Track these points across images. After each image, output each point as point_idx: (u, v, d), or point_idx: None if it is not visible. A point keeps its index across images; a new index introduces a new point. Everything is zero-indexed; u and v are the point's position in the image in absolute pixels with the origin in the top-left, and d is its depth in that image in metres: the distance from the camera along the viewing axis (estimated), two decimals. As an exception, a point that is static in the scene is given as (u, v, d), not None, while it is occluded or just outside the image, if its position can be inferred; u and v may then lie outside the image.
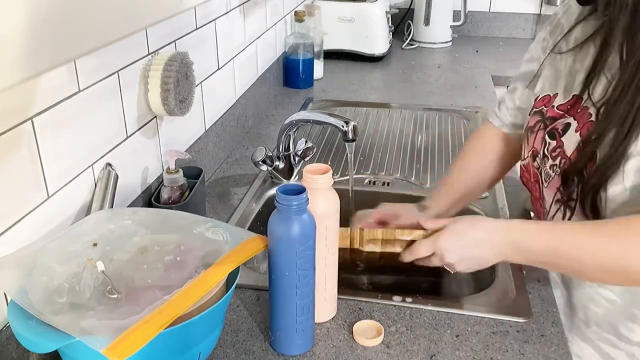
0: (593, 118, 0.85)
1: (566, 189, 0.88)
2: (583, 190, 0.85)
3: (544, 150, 0.93)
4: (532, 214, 1.20)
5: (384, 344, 0.87)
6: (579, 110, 0.88)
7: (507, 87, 1.12)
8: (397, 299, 0.96)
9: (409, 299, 0.96)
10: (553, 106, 0.93)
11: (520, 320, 0.92)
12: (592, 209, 0.85)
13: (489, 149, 1.11)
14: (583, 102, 0.87)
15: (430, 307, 0.94)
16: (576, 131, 0.88)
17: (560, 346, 0.87)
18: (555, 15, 1.00)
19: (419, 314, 0.93)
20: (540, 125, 0.94)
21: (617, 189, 0.82)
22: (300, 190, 0.78)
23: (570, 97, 0.90)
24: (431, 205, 1.06)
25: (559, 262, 0.83)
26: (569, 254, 0.81)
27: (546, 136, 0.92)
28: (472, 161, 1.12)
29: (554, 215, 0.92)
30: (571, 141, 0.88)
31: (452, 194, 1.09)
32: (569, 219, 0.89)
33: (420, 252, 0.90)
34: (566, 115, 0.90)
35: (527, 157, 0.97)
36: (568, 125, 0.89)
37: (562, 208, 0.90)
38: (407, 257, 0.92)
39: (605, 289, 0.92)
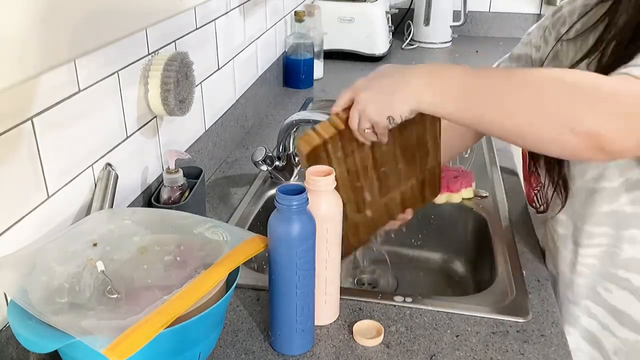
0: None
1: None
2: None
3: None
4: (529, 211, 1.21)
5: (384, 344, 0.87)
6: None
7: (497, 65, 1.13)
8: (397, 299, 0.96)
9: (409, 299, 0.96)
10: None
11: (520, 320, 0.92)
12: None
13: None
14: None
15: (430, 307, 0.94)
16: None
17: (560, 346, 0.87)
18: (560, 8, 1.01)
19: (419, 314, 0.93)
20: None
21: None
22: (300, 190, 0.78)
23: None
24: None
25: (475, 101, 0.74)
26: (485, 92, 0.74)
27: None
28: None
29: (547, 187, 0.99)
30: None
31: None
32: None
33: (341, 98, 0.81)
34: None
35: None
36: None
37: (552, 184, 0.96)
38: (334, 109, 0.83)
39: (585, 257, 0.97)
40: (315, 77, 2.02)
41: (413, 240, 1.34)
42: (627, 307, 0.95)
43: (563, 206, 0.98)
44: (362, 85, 0.80)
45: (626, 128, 0.69)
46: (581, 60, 0.89)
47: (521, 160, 1.08)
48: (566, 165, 0.95)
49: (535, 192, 1.03)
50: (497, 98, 0.73)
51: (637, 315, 0.94)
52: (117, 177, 0.96)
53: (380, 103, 0.77)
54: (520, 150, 1.26)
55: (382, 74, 0.80)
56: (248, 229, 1.17)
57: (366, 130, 0.81)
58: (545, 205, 1.04)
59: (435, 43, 2.51)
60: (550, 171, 0.97)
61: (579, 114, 0.69)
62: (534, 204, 1.08)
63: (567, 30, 0.96)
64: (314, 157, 0.83)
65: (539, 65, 1.03)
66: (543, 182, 1.01)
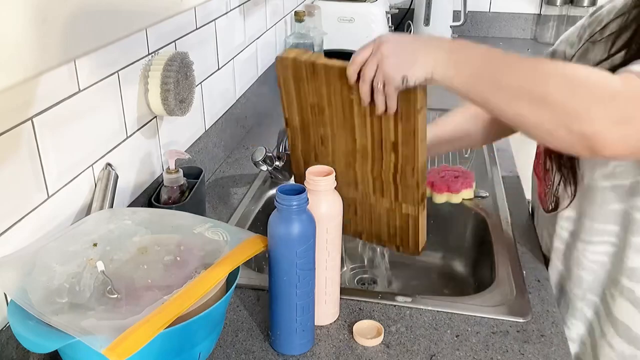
0: None
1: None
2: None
3: None
4: (530, 209, 1.21)
5: (384, 344, 0.87)
6: None
7: None
8: (397, 298, 0.96)
9: (409, 299, 0.96)
10: None
11: (520, 320, 0.92)
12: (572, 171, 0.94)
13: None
14: None
15: (430, 307, 0.94)
16: None
17: (560, 346, 0.87)
18: (601, 7, 1.00)
19: (419, 314, 0.93)
20: None
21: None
22: (300, 190, 0.78)
23: None
24: None
25: (487, 79, 0.76)
26: (498, 72, 0.76)
27: None
28: (468, 119, 1.12)
29: (558, 184, 0.99)
30: None
31: (434, 134, 1.09)
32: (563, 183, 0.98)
33: (362, 52, 0.81)
34: None
35: None
36: None
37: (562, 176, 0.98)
38: (351, 68, 0.82)
39: (595, 253, 0.97)
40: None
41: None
42: (627, 318, 0.94)
43: (571, 201, 0.98)
44: (387, 39, 0.80)
45: (620, 134, 0.70)
46: (605, 59, 0.89)
47: (534, 159, 1.08)
48: (577, 161, 0.95)
49: (547, 189, 1.04)
50: (504, 83, 0.75)
51: (636, 328, 0.94)
52: (117, 177, 0.96)
53: (401, 60, 0.78)
54: (526, 151, 1.26)
55: (406, 37, 0.82)
56: (248, 229, 1.17)
57: (379, 85, 0.80)
58: (554, 204, 1.04)
59: (435, 43, 2.51)
60: (561, 166, 0.98)
61: (577, 112, 0.70)
62: (545, 203, 1.07)
63: (600, 29, 0.95)
64: (294, 70, 0.83)
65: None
66: (552, 179, 1.01)
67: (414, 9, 2.56)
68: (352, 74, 0.82)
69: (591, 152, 0.71)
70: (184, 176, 1.09)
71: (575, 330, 1.03)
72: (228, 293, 0.76)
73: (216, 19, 1.37)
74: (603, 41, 0.93)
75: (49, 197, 0.84)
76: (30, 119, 0.78)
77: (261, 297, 0.97)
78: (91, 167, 0.93)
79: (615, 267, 0.95)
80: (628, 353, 0.95)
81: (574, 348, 1.03)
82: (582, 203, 0.96)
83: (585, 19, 1.03)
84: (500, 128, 1.12)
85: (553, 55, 1.09)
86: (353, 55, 0.82)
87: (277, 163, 1.30)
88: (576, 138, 0.70)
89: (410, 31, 2.52)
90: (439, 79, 0.77)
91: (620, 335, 0.95)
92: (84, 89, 0.89)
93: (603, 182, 0.92)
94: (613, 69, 0.79)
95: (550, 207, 1.05)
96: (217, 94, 1.43)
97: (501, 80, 0.75)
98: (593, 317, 1.00)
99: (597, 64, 0.91)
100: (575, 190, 0.97)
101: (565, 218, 1.01)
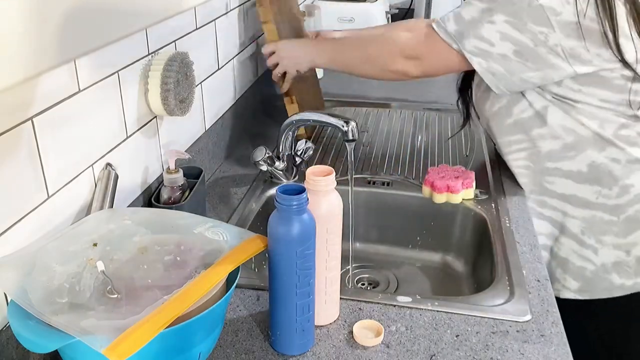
0: None
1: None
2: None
3: None
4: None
5: (384, 344, 0.87)
6: None
7: None
8: (397, 298, 0.96)
9: (409, 299, 0.96)
10: None
11: (520, 320, 0.92)
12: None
13: None
14: None
15: (430, 307, 0.94)
16: None
17: (560, 346, 0.87)
18: None
19: (419, 314, 0.93)
20: None
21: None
22: (300, 190, 0.78)
23: None
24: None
25: (339, 67, 1.36)
26: (341, 63, 1.36)
27: None
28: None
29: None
30: None
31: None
32: None
33: (267, 48, 1.43)
34: None
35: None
36: None
37: None
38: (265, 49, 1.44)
39: (516, 161, 1.28)
40: (315, 77, 2.02)
41: (413, 240, 1.34)
42: (570, 190, 1.19)
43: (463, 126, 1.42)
44: (282, 47, 1.42)
45: (414, 65, 1.23)
46: None
47: None
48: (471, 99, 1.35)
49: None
50: (348, 56, 1.35)
51: (581, 193, 1.18)
52: (117, 177, 0.96)
53: (293, 60, 1.41)
54: None
55: (289, 43, 1.45)
56: (248, 229, 1.17)
57: (278, 74, 1.44)
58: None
59: (435, 43, 2.51)
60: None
61: (388, 61, 1.25)
62: None
63: None
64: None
65: None
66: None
67: (414, 9, 2.56)
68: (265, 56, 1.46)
69: (407, 78, 1.25)
70: (184, 176, 1.09)
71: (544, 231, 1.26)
72: (228, 293, 0.76)
73: (216, 19, 1.37)
74: None
75: (49, 197, 0.84)
76: (30, 119, 0.78)
77: (261, 297, 0.97)
78: (91, 167, 0.93)
79: (537, 162, 1.22)
80: (588, 215, 1.20)
81: (543, 240, 1.25)
82: (488, 129, 1.32)
83: None
84: None
85: None
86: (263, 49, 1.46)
87: (277, 163, 1.30)
88: (395, 74, 1.26)
89: (410, 31, 2.53)
90: (315, 65, 1.42)
91: (575, 204, 1.21)
92: (84, 89, 0.89)
93: (491, 110, 1.26)
94: None
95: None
96: (217, 94, 1.43)
97: (346, 55, 1.35)
98: (551, 212, 1.25)
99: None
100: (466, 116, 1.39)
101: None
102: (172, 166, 1.07)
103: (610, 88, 1.10)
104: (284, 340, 0.84)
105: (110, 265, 0.75)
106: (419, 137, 1.61)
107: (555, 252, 1.26)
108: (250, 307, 0.95)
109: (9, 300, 0.74)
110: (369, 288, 1.27)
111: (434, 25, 1.19)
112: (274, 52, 1.41)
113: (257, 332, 0.90)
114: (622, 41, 1.04)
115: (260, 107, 1.75)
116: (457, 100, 1.38)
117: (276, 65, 1.41)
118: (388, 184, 1.37)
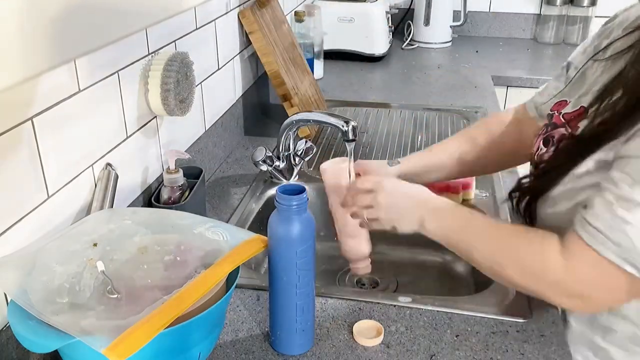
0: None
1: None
2: (519, 202, 0.90)
3: (535, 157, 0.91)
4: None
5: (384, 344, 0.87)
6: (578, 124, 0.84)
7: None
8: (397, 298, 0.96)
9: (409, 299, 0.96)
10: (561, 113, 0.89)
11: (520, 320, 0.92)
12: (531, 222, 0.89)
13: (492, 141, 1.10)
14: (586, 116, 0.83)
15: (430, 307, 0.94)
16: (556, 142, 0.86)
17: (561, 346, 0.87)
18: (614, 17, 0.92)
19: (419, 314, 0.93)
20: (543, 130, 0.91)
21: (547, 211, 0.85)
22: (300, 190, 0.78)
23: (578, 107, 0.86)
24: (402, 162, 1.10)
25: (453, 247, 0.89)
26: (458, 246, 0.88)
27: (541, 142, 0.90)
28: (463, 147, 1.11)
29: None
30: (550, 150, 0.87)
31: (425, 162, 1.12)
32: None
33: (363, 183, 0.96)
34: (566, 125, 0.86)
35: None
36: (564, 136, 0.86)
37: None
38: (346, 201, 0.98)
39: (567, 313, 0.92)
40: (315, 77, 2.01)
41: (413, 240, 1.34)
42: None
43: None
44: (384, 189, 0.94)
45: (574, 304, 0.82)
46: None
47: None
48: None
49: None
50: (474, 251, 0.87)
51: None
52: (117, 177, 0.96)
53: (394, 214, 0.93)
54: None
55: (399, 192, 0.94)
56: (248, 229, 1.17)
57: (366, 219, 0.96)
58: None
59: (435, 43, 2.51)
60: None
61: (534, 291, 0.83)
62: None
63: (603, 48, 0.88)
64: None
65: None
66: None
67: (414, 9, 2.56)
68: (348, 199, 0.98)
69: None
70: (184, 176, 1.09)
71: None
72: (228, 293, 0.76)
73: (216, 19, 1.37)
74: (603, 64, 0.87)
75: (49, 197, 0.84)
76: (30, 119, 0.78)
77: (261, 297, 0.97)
78: (91, 167, 0.93)
79: (585, 328, 0.90)
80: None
81: None
82: None
83: (600, 27, 0.95)
84: (500, 157, 1.12)
85: (568, 67, 1.00)
86: (356, 184, 0.97)
87: (277, 163, 1.30)
88: (572, 302, 0.82)
89: (410, 31, 2.53)
90: (425, 233, 0.91)
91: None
92: (84, 89, 0.89)
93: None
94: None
95: None
96: (217, 94, 1.43)
97: (471, 248, 0.87)
98: None
99: (589, 87, 0.87)
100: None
101: None
102: (172, 166, 1.07)
103: None
104: (284, 340, 0.84)
105: (110, 265, 0.75)
106: (419, 137, 1.61)
107: None
108: (250, 307, 0.95)
109: (9, 300, 0.74)
110: (369, 288, 1.27)
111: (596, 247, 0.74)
112: (372, 190, 0.94)
113: (257, 332, 0.90)
114: None
115: (260, 107, 1.75)
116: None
117: (368, 206, 0.95)
118: (388, 184, 1.36)
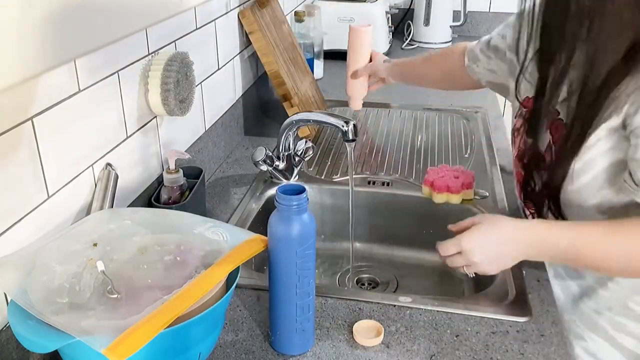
0: (561, 116, 0.88)
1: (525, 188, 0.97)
2: (542, 194, 0.92)
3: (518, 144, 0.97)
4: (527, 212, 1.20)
5: (384, 344, 0.87)
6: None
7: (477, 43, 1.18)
8: (397, 298, 0.96)
9: (409, 299, 0.96)
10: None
11: (520, 320, 0.92)
12: (557, 209, 0.91)
13: (451, 67, 1.25)
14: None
15: (430, 307, 0.94)
16: (546, 129, 0.90)
17: (560, 346, 0.87)
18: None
19: (419, 314, 0.93)
20: (524, 127, 0.96)
21: (568, 189, 0.88)
22: (300, 190, 0.78)
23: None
24: (393, 61, 1.37)
25: (582, 261, 0.86)
26: (590, 255, 0.84)
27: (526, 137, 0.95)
28: (437, 66, 1.32)
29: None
30: (544, 140, 0.91)
31: (410, 68, 1.38)
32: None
33: (446, 250, 0.90)
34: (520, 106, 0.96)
35: (514, 158, 1.00)
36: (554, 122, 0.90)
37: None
38: (439, 256, 0.93)
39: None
40: (315, 77, 2.02)
41: (413, 240, 1.34)
42: None
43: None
44: (472, 248, 0.88)
45: None
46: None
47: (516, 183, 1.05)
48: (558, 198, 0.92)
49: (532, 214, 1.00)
50: (582, 266, 0.91)
51: None
52: (117, 177, 0.96)
53: (492, 265, 0.89)
54: None
55: (488, 241, 0.88)
56: (248, 229, 1.17)
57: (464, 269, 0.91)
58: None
59: (435, 43, 2.51)
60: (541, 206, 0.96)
61: None
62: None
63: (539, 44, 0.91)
64: None
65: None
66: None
67: (414, 9, 2.57)
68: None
69: None
70: (184, 176, 1.09)
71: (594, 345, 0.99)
72: (228, 293, 0.76)
73: (216, 19, 1.37)
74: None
75: (49, 197, 0.84)
76: (30, 119, 0.78)
77: (261, 297, 0.97)
78: (91, 167, 0.93)
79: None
80: None
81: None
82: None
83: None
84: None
85: (495, 51, 1.11)
86: (440, 252, 0.91)
87: (277, 163, 1.30)
88: None
89: (410, 31, 2.53)
90: (529, 258, 0.89)
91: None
92: (84, 89, 0.89)
93: (593, 213, 0.89)
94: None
95: None
96: (217, 94, 1.43)
97: (600, 259, 0.85)
98: (618, 335, 0.97)
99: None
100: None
101: None
102: (172, 166, 1.07)
103: None
104: (284, 340, 0.84)
105: (110, 265, 0.75)
106: (419, 137, 1.61)
107: None
108: (250, 307, 0.95)
109: (9, 300, 0.74)
110: (369, 288, 1.27)
111: None
112: (460, 253, 0.89)
113: (257, 332, 0.90)
114: None
115: (260, 107, 1.75)
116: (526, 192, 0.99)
117: (466, 266, 0.91)
118: (388, 184, 1.37)
